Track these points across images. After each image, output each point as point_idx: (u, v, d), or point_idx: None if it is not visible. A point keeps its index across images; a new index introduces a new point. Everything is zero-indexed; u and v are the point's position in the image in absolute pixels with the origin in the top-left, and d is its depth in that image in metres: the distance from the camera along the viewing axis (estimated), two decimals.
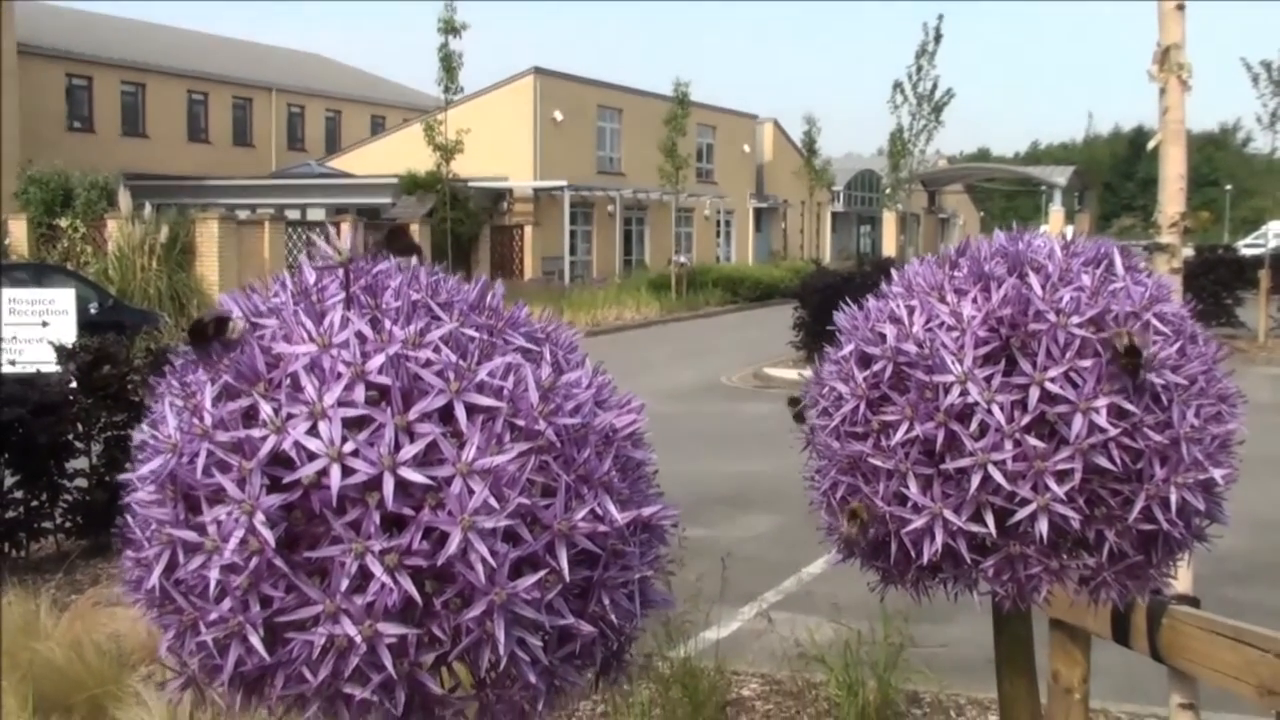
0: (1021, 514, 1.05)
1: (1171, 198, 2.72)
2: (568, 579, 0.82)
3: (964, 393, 1.06)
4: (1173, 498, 1.06)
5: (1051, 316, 1.07)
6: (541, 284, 30.00)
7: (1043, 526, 1.05)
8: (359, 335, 0.86)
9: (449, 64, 25.22)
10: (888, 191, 33.65)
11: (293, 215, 28.97)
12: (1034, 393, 1.05)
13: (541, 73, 36.20)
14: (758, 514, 7.85)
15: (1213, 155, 77.71)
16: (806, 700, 4.80)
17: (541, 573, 0.81)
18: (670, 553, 1.03)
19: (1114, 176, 77.68)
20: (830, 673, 4.50)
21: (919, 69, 28.02)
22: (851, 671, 4.45)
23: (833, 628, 4.71)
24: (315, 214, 30.05)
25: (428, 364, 0.85)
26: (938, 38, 27.89)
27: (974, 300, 1.10)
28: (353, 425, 0.82)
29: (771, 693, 4.93)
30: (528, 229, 34.00)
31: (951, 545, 1.08)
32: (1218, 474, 1.08)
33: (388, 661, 0.80)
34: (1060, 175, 45.86)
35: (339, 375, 0.83)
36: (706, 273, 32.96)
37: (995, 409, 1.05)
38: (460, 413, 0.83)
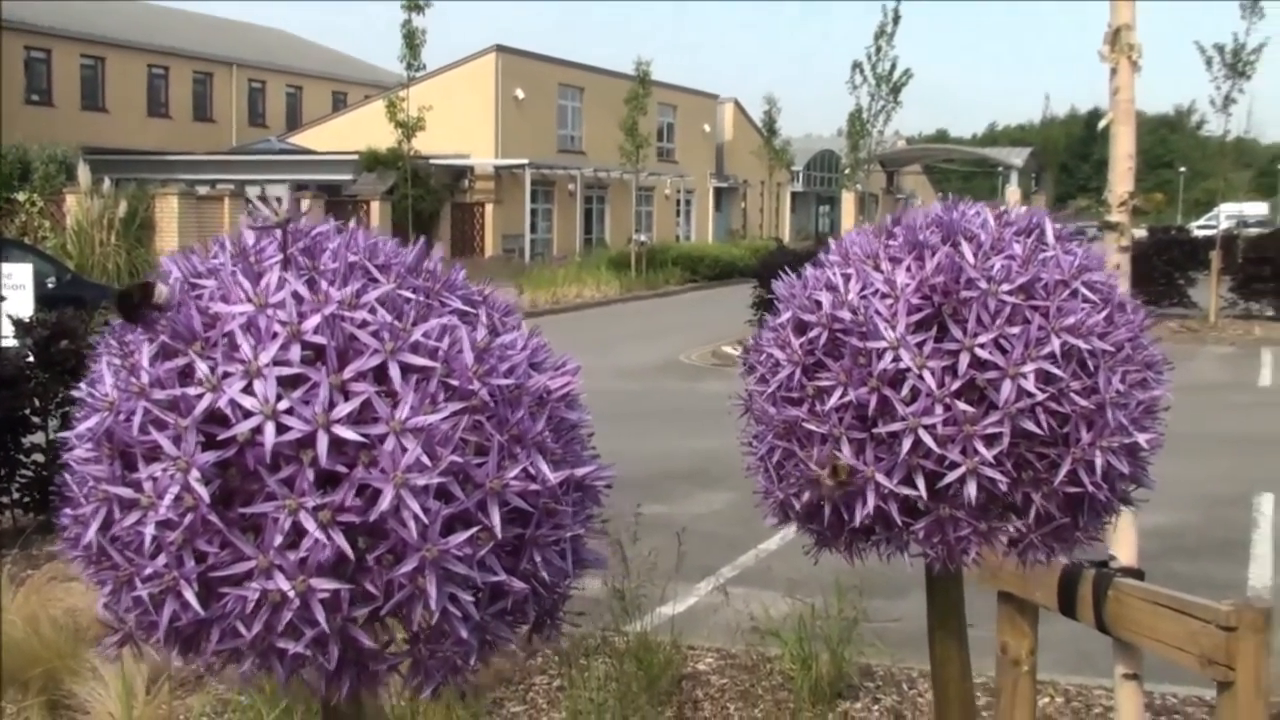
0: (951, 477, 1.07)
1: (1121, 177, 2.75)
2: (499, 536, 0.83)
3: (896, 359, 1.08)
4: (1098, 461, 1.08)
5: (983, 284, 1.09)
6: (502, 262, 29.94)
7: (971, 489, 1.07)
8: (295, 295, 0.87)
9: (412, 40, 25.07)
10: (847, 172, 33.71)
11: (253, 191, 28.77)
12: (964, 358, 1.07)
13: (503, 50, 36.08)
14: (716, 490, 7.89)
15: (1167, 138, 78.29)
16: (761, 674, 4.84)
17: (473, 529, 0.82)
18: (612, 521, 1.05)
19: (1070, 158, 78.09)
20: (785, 646, 4.54)
21: (878, 50, 28.04)
22: (806, 645, 4.49)
23: (788, 602, 4.74)
24: (276, 190, 29.84)
25: (363, 324, 0.86)
26: (896, 19, 27.93)
27: (908, 268, 1.12)
28: (288, 384, 0.84)
29: (727, 666, 4.96)
30: (489, 207, 33.92)
31: (883, 508, 1.10)
32: (1142, 438, 1.10)
33: (320, 617, 0.81)
34: (1017, 156, 46.12)
35: (275, 335, 0.84)
36: (666, 251, 32.99)
37: (927, 375, 1.07)
38: (395, 373, 0.85)
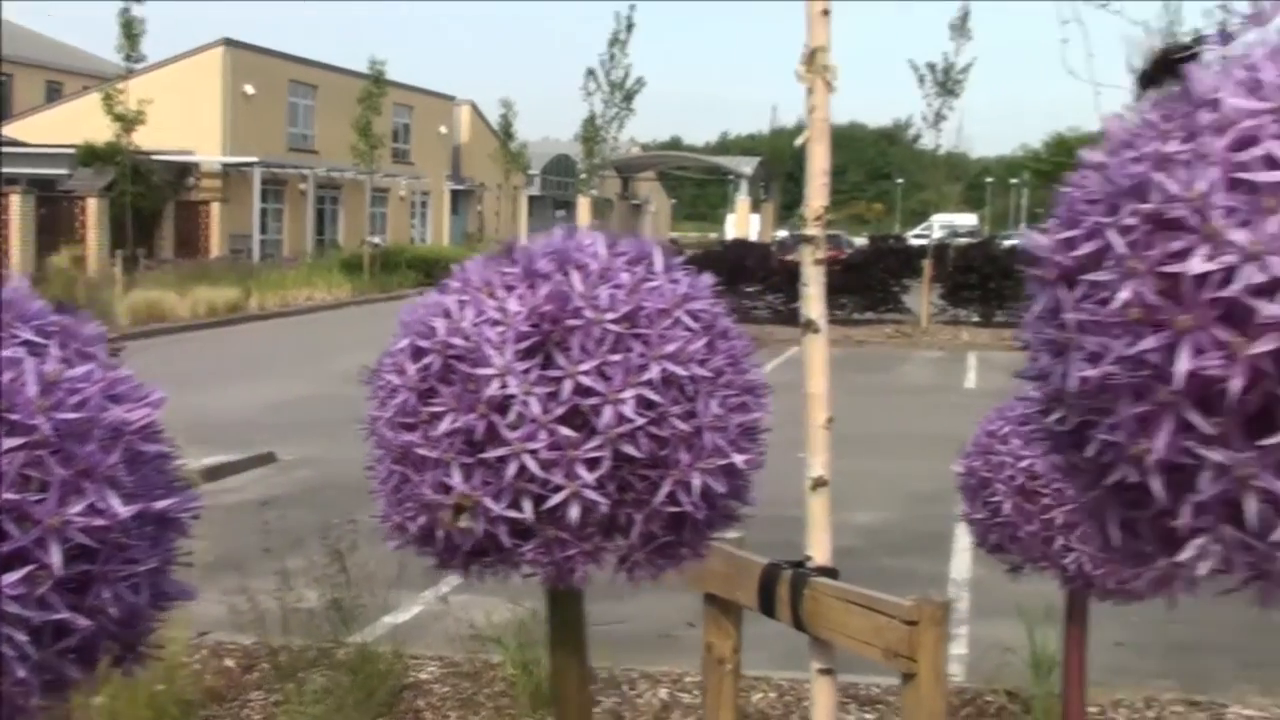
0: (555, 499, 1.11)
1: (816, 192, 2.87)
2: (60, 573, 0.82)
3: (504, 385, 1.11)
4: (695, 482, 1.14)
5: (589, 313, 1.13)
6: (229, 262, 29.04)
7: (574, 511, 1.11)
8: None
9: (129, 30, 24.11)
10: (583, 177, 34.08)
11: None
12: (568, 385, 1.11)
13: (232, 45, 35.04)
14: None
15: (886, 150, 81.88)
16: (483, 681, 4.86)
17: (29, 567, 0.81)
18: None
19: (796, 167, 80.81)
20: (506, 653, 4.57)
21: (611, 57, 28.46)
22: (526, 651, 4.53)
23: (509, 609, 4.78)
24: None
25: None
26: (629, 27, 28.39)
27: (520, 296, 1.15)
28: None
29: (449, 675, 4.96)
30: (215, 206, 32.89)
31: (492, 532, 1.13)
32: (739, 459, 1.17)
33: None
34: (747, 165, 47.46)
35: None
36: (401, 253, 32.64)
37: (532, 401, 1.11)
38: None
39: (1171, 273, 0.66)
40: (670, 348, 1.13)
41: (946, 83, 21.76)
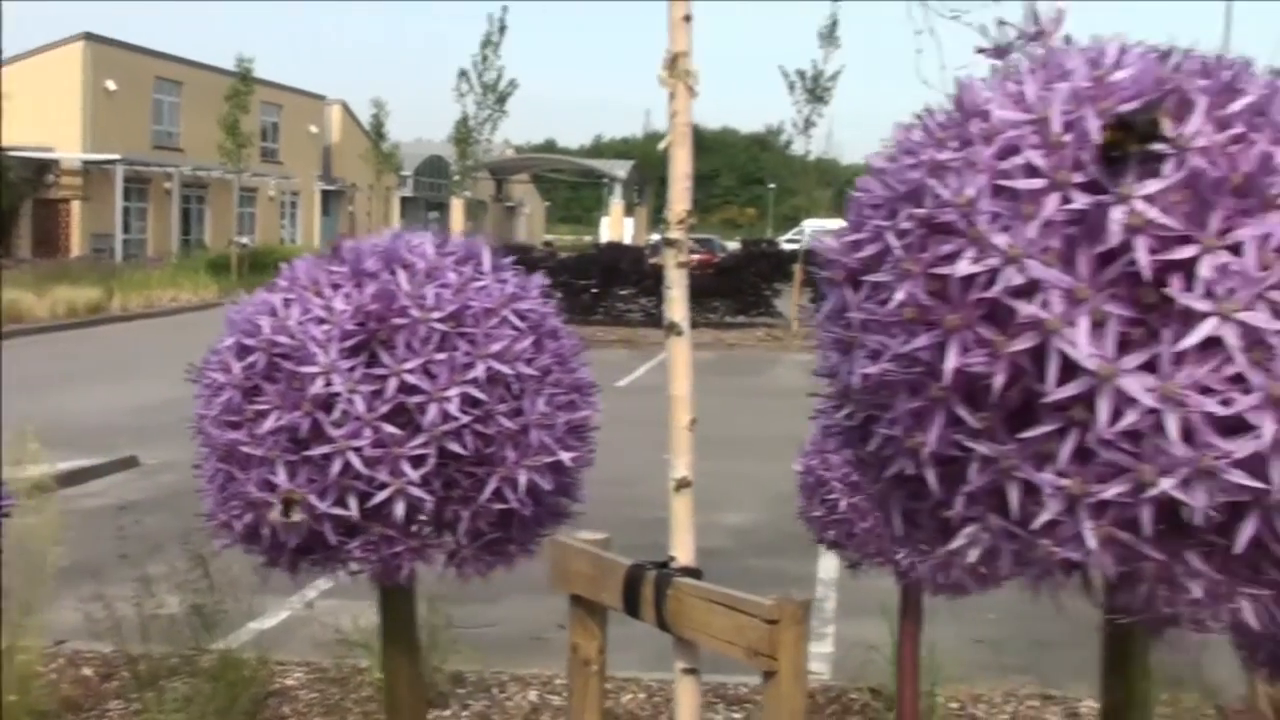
0: (380, 497, 1.12)
1: (679, 196, 2.89)
2: None
3: (328, 383, 1.12)
4: (522, 479, 1.15)
5: (415, 312, 1.14)
6: (90, 262, 28.28)
7: (400, 508, 1.12)
8: None
9: None
10: (456, 178, 33.83)
11: None
12: (392, 383, 1.12)
13: (93, 39, 34.13)
14: None
15: (759, 155, 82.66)
16: (351, 686, 4.81)
17: None
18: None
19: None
20: (373, 658, 4.53)
21: (484, 59, 28.29)
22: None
23: (376, 613, 4.73)
24: None
25: None
26: (502, 29, 28.28)
27: (347, 295, 1.16)
28: None
29: (316, 680, 4.90)
30: (75, 204, 32.01)
31: (317, 529, 1.13)
32: (566, 457, 1.18)
33: None
34: (621, 169, 47.54)
35: None
36: (270, 254, 32.06)
37: (357, 399, 1.11)
38: None
39: (942, 274, 0.69)
40: (496, 347, 1.15)
41: (816, 89, 22.05)
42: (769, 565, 6.98)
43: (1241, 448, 0.63)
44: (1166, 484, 0.64)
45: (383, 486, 1.11)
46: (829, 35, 21.22)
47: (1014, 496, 0.69)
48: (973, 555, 0.73)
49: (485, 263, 1.22)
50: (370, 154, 39.20)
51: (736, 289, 23.06)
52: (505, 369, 1.15)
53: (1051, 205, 0.66)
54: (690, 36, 2.97)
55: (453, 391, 1.12)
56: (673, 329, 2.85)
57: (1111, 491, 0.66)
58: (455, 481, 1.15)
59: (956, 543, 0.72)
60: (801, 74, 21.86)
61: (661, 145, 3.08)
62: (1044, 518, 0.68)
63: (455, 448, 1.13)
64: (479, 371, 1.13)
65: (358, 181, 44.61)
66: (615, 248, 25.50)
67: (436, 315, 1.14)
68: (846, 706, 4.93)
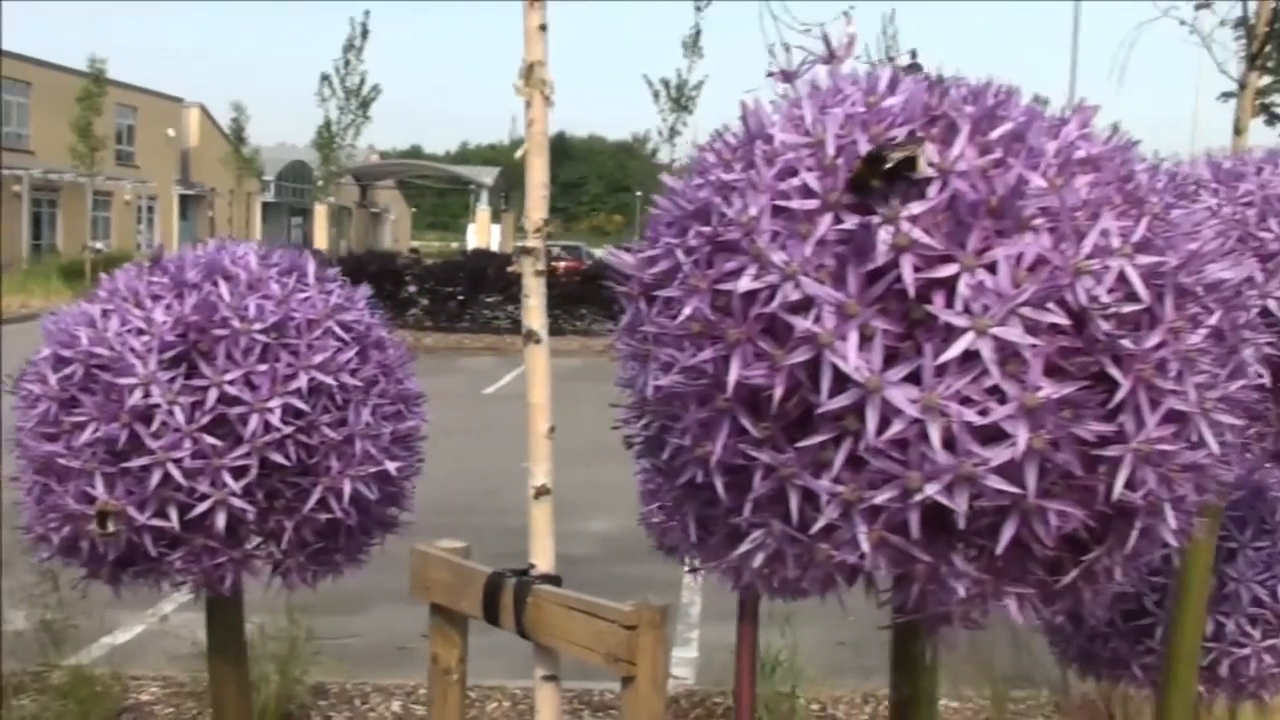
0: (201, 508, 1.12)
1: (535, 205, 2.90)
2: None
3: (147, 394, 1.11)
4: (346, 489, 1.16)
5: (236, 323, 1.14)
6: None
7: (221, 519, 1.12)
8: None
9: None
10: (319, 184, 33.39)
11: None
12: (212, 394, 1.12)
13: None
14: None
15: (626, 163, 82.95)
16: (208, 700, 4.72)
17: None
18: None
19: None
20: None
21: (347, 63, 27.99)
22: (254, 667, 4.43)
23: None
24: None
25: None
26: (365, 34, 28.00)
27: (167, 306, 1.16)
28: None
29: (172, 695, 4.81)
30: None
31: (136, 541, 1.13)
32: (392, 466, 1.19)
33: None
34: (487, 175, 47.33)
35: None
36: (126, 259, 31.19)
37: (176, 410, 1.11)
38: None
39: (726, 290, 0.72)
40: (319, 358, 1.15)
41: (680, 98, 22.26)
42: (636, 571, 7.01)
43: (998, 455, 0.67)
44: (931, 489, 0.68)
45: (204, 498, 1.11)
46: (693, 45, 21.44)
47: (795, 502, 0.72)
48: (759, 559, 0.76)
49: (309, 274, 1.22)
50: (230, 158, 38.50)
51: (604, 296, 23.12)
52: (329, 379, 1.15)
53: (825, 225, 0.70)
54: (546, 45, 3.00)
55: (274, 402, 1.12)
56: (530, 336, 2.87)
57: (882, 497, 0.69)
58: (279, 492, 1.15)
59: (743, 547, 0.76)
60: (666, 83, 22.05)
61: (518, 154, 3.10)
62: (821, 522, 0.71)
63: (278, 458, 1.13)
64: (301, 382, 1.14)
65: (218, 186, 43.78)
66: (482, 255, 25.38)
67: (258, 326, 1.14)
68: (710, 710, 4.98)
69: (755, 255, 0.71)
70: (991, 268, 0.67)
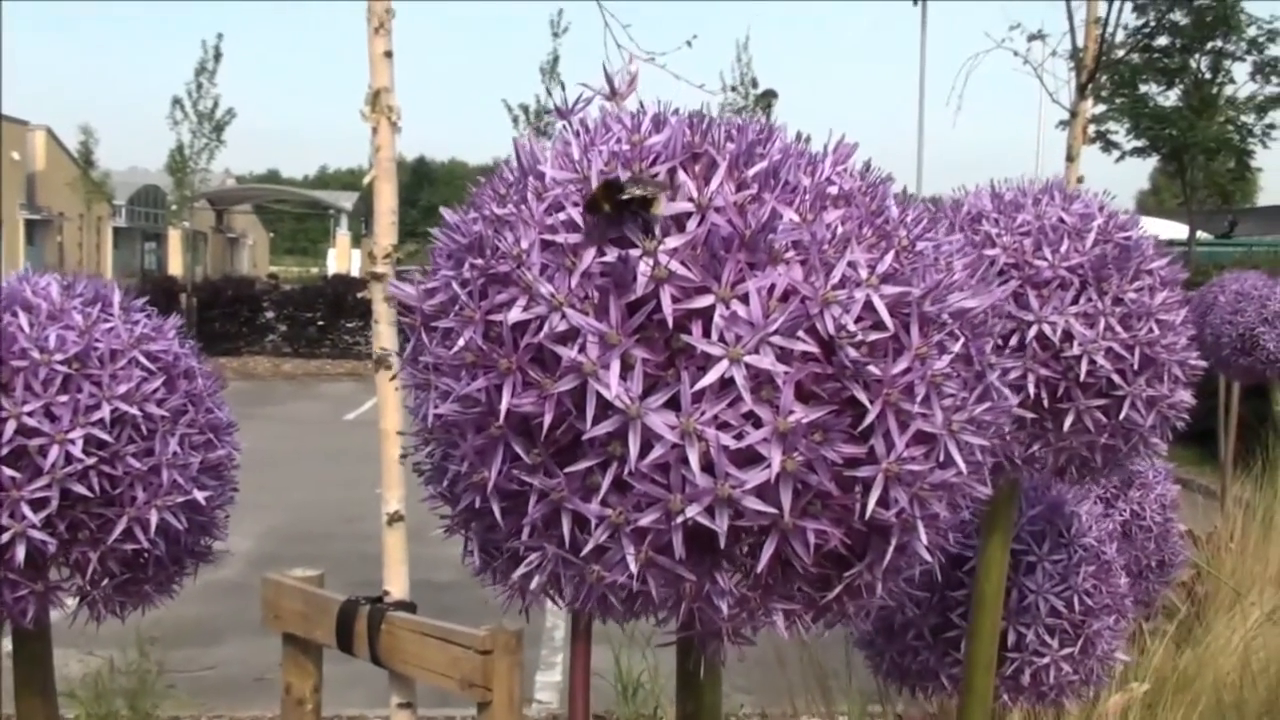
0: (0, 540, 1.11)
1: (384, 231, 2.90)
2: None
3: None
4: (153, 519, 1.16)
5: (35, 354, 1.13)
6: None
7: (20, 552, 1.11)
8: None
9: None
10: (173, 208, 32.66)
11: None
12: (10, 425, 1.11)
13: None
14: None
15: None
16: None
17: None
18: None
19: (400, 204, 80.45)
20: (82, 706, 4.38)
21: (199, 87, 27.41)
22: (104, 702, 4.36)
23: (80, 661, 4.57)
24: None
25: None
26: (218, 56, 27.46)
27: None
28: None
29: None
30: None
31: None
32: (200, 496, 1.19)
33: None
34: (347, 200, 46.73)
35: None
36: None
37: None
38: None
39: (497, 320, 0.74)
40: (123, 388, 1.15)
41: (540, 124, 22.28)
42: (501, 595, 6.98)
43: (755, 477, 0.70)
44: (692, 511, 0.71)
45: (2, 530, 1.10)
46: (551, 71, 21.51)
47: (566, 526, 0.74)
48: (536, 583, 0.78)
49: (114, 304, 1.22)
50: (79, 182, 37.49)
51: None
52: (133, 410, 1.15)
53: (589, 258, 0.72)
54: (392, 72, 3.01)
55: (76, 433, 1.12)
56: (381, 362, 2.87)
57: (647, 519, 0.72)
58: (82, 523, 1.14)
59: (520, 570, 0.78)
60: (525, 108, 22.07)
61: (366, 180, 3.09)
62: (591, 544, 0.73)
63: (80, 489, 1.12)
64: (104, 413, 1.13)
65: (66, 211, 42.62)
66: (343, 280, 25.10)
67: (59, 357, 1.13)
68: None
69: (525, 287, 0.73)
70: (745, 298, 0.70)
